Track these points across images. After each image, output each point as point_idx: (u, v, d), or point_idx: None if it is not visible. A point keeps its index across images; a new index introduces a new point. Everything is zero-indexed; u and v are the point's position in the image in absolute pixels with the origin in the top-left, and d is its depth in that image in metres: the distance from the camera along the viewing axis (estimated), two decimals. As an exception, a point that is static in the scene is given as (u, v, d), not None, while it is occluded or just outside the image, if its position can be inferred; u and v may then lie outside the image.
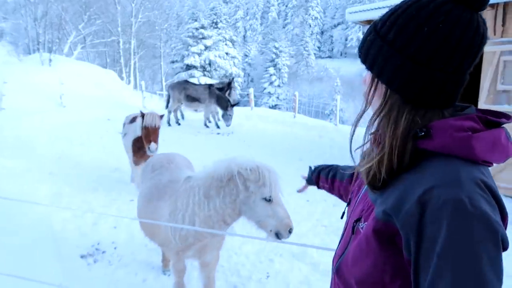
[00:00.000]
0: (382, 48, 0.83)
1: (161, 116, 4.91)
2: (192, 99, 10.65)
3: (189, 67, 31.76)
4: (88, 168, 6.42)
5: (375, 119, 0.87)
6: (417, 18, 0.78)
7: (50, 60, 16.32)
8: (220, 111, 10.53)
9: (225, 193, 2.22)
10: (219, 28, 34.72)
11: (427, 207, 0.71)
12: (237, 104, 10.84)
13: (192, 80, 28.58)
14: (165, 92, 26.08)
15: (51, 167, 6.27)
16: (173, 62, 34.68)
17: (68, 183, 5.58)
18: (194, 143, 8.75)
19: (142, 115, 4.82)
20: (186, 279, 3.06)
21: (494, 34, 5.50)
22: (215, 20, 35.17)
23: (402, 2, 0.84)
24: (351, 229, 0.95)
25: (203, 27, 32.12)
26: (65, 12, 22.55)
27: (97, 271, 3.51)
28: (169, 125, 10.73)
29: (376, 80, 0.86)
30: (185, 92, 10.67)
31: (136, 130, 5.03)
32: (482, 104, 5.62)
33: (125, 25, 27.65)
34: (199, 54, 31.70)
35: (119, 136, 6.29)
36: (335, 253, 1.04)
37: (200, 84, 11.55)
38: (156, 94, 22.79)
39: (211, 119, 11.37)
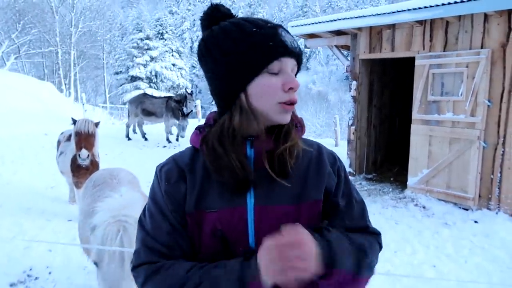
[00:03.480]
0: None
1: (97, 124, 4.56)
2: (148, 113, 10.48)
3: (134, 78, 30.94)
4: (20, 187, 5.96)
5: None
6: None
7: (-21, 71, 15.13)
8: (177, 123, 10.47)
9: None
10: (165, 39, 34.24)
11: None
12: (189, 113, 10.54)
13: (137, 92, 27.88)
14: (109, 105, 25.15)
15: (-23, 187, 5.76)
16: (117, 73, 33.59)
17: (-4, 205, 5.14)
18: (138, 157, 8.46)
19: (74, 122, 4.46)
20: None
21: (423, 49, 5.90)
22: (160, 31, 34.64)
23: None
24: None
25: (148, 38, 31.52)
26: (-4, 20, 21.09)
27: (28, 300, 3.25)
28: (129, 139, 10.52)
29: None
30: (141, 106, 10.49)
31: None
32: (416, 114, 5.98)
33: (64, 35, 26.43)
34: (145, 65, 31.01)
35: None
36: None
37: (158, 97, 11.28)
38: (98, 107, 21.88)
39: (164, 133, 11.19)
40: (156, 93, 23.99)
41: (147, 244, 0.94)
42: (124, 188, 2.79)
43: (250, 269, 0.82)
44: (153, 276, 0.89)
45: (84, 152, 4.31)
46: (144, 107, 10.43)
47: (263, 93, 0.89)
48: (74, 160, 4.74)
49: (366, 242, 0.97)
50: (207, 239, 0.92)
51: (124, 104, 26.35)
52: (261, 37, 0.88)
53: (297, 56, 0.92)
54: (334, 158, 1.06)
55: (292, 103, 0.92)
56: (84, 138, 4.35)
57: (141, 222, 1.00)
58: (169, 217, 0.95)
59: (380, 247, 1.04)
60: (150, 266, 0.91)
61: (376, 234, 1.05)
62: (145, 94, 11.29)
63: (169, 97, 10.86)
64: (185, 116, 10.01)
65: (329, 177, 1.01)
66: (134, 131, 11.58)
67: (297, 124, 1.01)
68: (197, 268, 0.87)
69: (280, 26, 0.93)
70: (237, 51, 0.88)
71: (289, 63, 0.90)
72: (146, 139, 10.76)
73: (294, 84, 0.90)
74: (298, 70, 0.96)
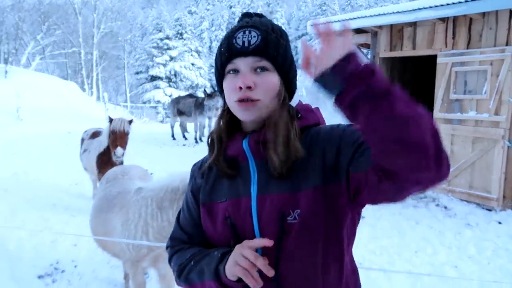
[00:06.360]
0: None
1: (130, 121, 4.78)
2: (180, 112, 11.07)
3: (154, 78, 31.30)
4: (46, 184, 6.16)
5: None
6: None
7: (6, 72, 15.64)
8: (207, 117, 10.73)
9: (179, 205, 2.22)
10: (184, 39, 34.49)
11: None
12: (214, 93, 10.23)
13: (157, 91, 28.21)
14: (129, 104, 25.58)
15: (6, 183, 5.97)
16: (137, 73, 34.03)
17: (24, 200, 5.32)
18: (158, 155, 8.61)
19: (110, 120, 4.67)
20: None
21: (446, 46, 5.80)
22: (180, 31, 34.91)
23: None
24: (277, 229, 0.94)
25: (168, 37, 31.83)
26: (22, 22, 21.72)
27: (55, 292, 3.36)
28: (174, 138, 11.24)
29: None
30: (177, 106, 11.14)
31: (102, 143, 4.86)
32: (438, 113, 5.89)
33: (86, 36, 27.02)
34: (164, 65, 31.33)
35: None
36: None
37: (192, 97, 11.72)
38: (120, 106, 22.29)
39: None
40: (175, 93, 24.22)
41: (176, 232, 1.16)
42: (137, 181, 2.89)
43: (223, 263, 0.94)
44: (174, 255, 1.12)
45: (119, 150, 4.54)
46: (178, 107, 11.08)
47: (226, 93, 1.01)
48: (100, 157, 4.87)
49: None
50: (219, 227, 1.02)
51: (144, 103, 26.79)
52: (221, 43, 1.02)
53: (254, 53, 0.96)
54: (330, 128, 1.01)
55: (243, 100, 0.96)
56: (119, 136, 4.57)
57: (178, 213, 1.19)
58: (193, 213, 1.11)
59: None
60: (173, 248, 1.14)
61: None
62: (190, 95, 11.76)
63: (200, 97, 11.21)
64: (209, 96, 10.19)
65: (328, 151, 0.96)
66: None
67: (299, 113, 1.06)
68: (197, 253, 1.04)
69: (244, 26, 1.00)
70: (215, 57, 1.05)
71: (242, 62, 0.97)
72: (186, 138, 11.36)
73: (242, 83, 0.95)
74: (276, 60, 0.98)
